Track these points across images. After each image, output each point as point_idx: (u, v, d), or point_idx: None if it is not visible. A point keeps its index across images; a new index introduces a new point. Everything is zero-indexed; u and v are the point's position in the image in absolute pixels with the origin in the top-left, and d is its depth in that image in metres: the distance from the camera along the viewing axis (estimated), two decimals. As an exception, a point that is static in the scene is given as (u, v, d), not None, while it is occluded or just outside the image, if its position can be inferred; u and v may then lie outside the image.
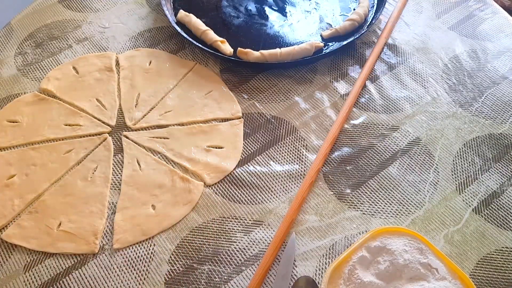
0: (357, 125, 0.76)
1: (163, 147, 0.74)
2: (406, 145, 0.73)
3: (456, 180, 0.69)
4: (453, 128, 0.75)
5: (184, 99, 0.80)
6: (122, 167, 0.72)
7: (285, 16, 0.92)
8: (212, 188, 0.69)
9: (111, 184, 0.70)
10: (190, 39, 0.84)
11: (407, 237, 0.59)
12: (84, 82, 0.82)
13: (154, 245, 0.64)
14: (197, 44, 0.83)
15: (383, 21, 0.91)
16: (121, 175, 0.71)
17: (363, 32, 0.86)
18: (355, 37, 0.84)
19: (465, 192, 0.68)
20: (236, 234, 0.64)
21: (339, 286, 0.56)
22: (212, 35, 0.85)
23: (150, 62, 0.85)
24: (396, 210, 0.66)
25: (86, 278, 0.61)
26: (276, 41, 0.87)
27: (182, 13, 0.90)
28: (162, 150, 0.73)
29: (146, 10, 0.95)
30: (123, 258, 0.62)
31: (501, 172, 0.70)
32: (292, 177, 0.70)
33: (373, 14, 0.91)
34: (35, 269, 0.62)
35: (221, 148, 0.73)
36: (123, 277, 0.61)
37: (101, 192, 0.69)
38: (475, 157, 0.72)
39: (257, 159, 0.72)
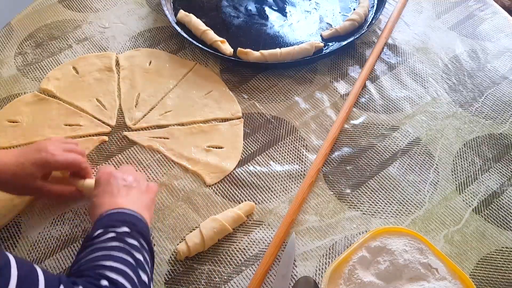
0: (357, 125, 0.76)
1: (163, 147, 0.74)
2: (406, 145, 0.73)
3: (456, 180, 0.69)
4: (453, 128, 0.75)
5: (184, 99, 0.80)
6: (122, 167, 0.72)
7: (285, 16, 0.92)
8: (212, 188, 0.69)
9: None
10: (190, 39, 0.84)
11: (407, 237, 0.59)
12: (84, 82, 0.82)
13: (154, 245, 0.63)
14: (197, 44, 0.83)
15: (383, 21, 0.91)
16: (121, 175, 0.71)
17: (363, 32, 0.86)
18: (355, 37, 0.84)
19: (465, 192, 0.68)
20: (236, 234, 0.64)
21: (339, 286, 0.56)
22: (212, 35, 0.85)
23: (150, 62, 0.85)
24: (396, 210, 0.66)
25: (86, 278, 0.61)
26: (276, 41, 0.87)
27: (182, 13, 0.90)
28: (162, 150, 0.73)
29: (146, 10, 0.95)
30: (123, 258, 0.62)
31: (501, 172, 0.70)
32: (292, 177, 0.70)
33: (373, 14, 0.91)
34: (35, 269, 0.62)
35: (221, 148, 0.73)
36: (123, 277, 0.61)
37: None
38: (475, 157, 0.72)
39: (257, 159, 0.72)
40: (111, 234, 0.51)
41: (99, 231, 0.51)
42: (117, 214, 0.54)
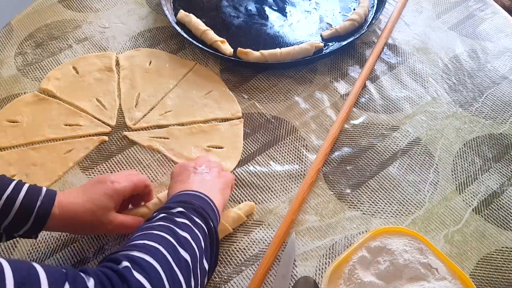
0: (357, 125, 0.76)
1: (163, 147, 0.74)
2: (406, 145, 0.73)
3: (456, 180, 0.69)
4: (453, 128, 0.75)
5: (184, 99, 0.80)
6: (123, 166, 0.72)
7: (285, 16, 0.92)
8: (212, 188, 0.69)
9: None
10: (190, 39, 0.84)
11: (407, 237, 0.59)
12: (84, 82, 0.82)
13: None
14: (197, 44, 0.83)
15: (383, 21, 0.91)
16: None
17: (363, 32, 0.86)
18: (355, 37, 0.84)
19: (465, 192, 0.68)
20: (236, 234, 0.64)
21: (339, 286, 0.56)
22: (212, 35, 0.85)
23: (150, 62, 0.85)
24: (396, 210, 0.66)
25: (86, 278, 0.61)
26: (276, 41, 0.87)
27: (182, 13, 0.90)
28: (162, 150, 0.73)
29: (146, 10, 0.95)
30: (123, 258, 0.62)
31: (501, 172, 0.70)
32: (292, 177, 0.70)
33: (373, 14, 0.91)
34: (35, 269, 0.62)
35: (221, 148, 0.73)
36: (123, 277, 0.61)
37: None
38: (475, 157, 0.72)
39: (257, 159, 0.72)
40: (162, 215, 0.49)
41: (154, 213, 0.51)
42: (179, 195, 0.54)
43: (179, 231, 0.47)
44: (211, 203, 0.54)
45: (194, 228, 0.49)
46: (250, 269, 0.61)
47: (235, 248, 0.63)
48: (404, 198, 0.67)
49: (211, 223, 0.51)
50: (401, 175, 0.70)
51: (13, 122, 0.77)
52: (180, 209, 0.50)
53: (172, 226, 0.48)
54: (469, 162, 0.71)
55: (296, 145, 0.74)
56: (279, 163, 0.72)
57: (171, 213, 0.50)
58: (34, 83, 0.83)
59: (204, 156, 0.65)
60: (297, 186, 0.69)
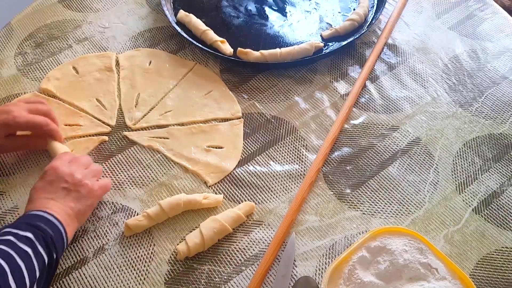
0: (357, 125, 0.76)
1: (163, 147, 0.74)
2: (406, 145, 0.73)
3: (456, 180, 0.69)
4: (453, 128, 0.75)
5: (184, 99, 0.80)
6: (123, 166, 0.72)
7: (285, 16, 0.92)
8: (212, 188, 0.69)
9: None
10: (190, 39, 0.84)
11: (407, 237, 0.59)
12: (84, 82, 0.82)
13: (154, 245, 0.64)
14: (197, 44, 0.84)
15: (383, 21, 0.91)
16: (122, 175, 0.71)
17: (363, 32, 0.86)
18: (355, 37, 0.84)
19: (465, 192, 0.68)
20: (236, 234, 0.64)
21: (339, 286, 0.56)
22: (212, 35, 0.85)
23: (150, 62, 0.85)
24: (396, 210, 0.66)
25: (86, 278, 0.61)
26: (276, 41, 0.87)
27: (182, 13, 0.90)
28: (162, 150, 0.73)
29: (146, 10, 0.95)
30: (123, 258, 0.62)
31: (501, 172, 0.70)
32: (292, 177, 0.70)
33: (373, 14, 0.91)
34: (35, 269, 0.62)
35: (221, 148, 0.73)
36: (123, 277, 0.61)
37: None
38: (475, 157, 0.72)
39: (257, 159, 0.72)
40: (7, 237, 0.50)
41: (6, 229, 0.52)
42: (36, 217, 0.54)
43: (17, 258, 0.48)
44: (63, 234, 0.55)
45: (33, 259, 0.50)
46: (250, 269, 0.61)
47: (235, 248, 0.63)
48: (404, 198, 0.68)
49: (54, 255, 0.53)
50: (401, 175, 0.70)
51: (13, 122, 0.77)
52: (29, 234, 0.51)
53: (11, 252, 0.49)
54: (469, 162, 0.71)
55: (296, 145, 0.74)
56: (279, 163, 0.72)
57: (18, 236, 0.51)
58: (34, 83, 0.83)
59: (84, 160, 0.65)
60: (297, 186, 0.69)
